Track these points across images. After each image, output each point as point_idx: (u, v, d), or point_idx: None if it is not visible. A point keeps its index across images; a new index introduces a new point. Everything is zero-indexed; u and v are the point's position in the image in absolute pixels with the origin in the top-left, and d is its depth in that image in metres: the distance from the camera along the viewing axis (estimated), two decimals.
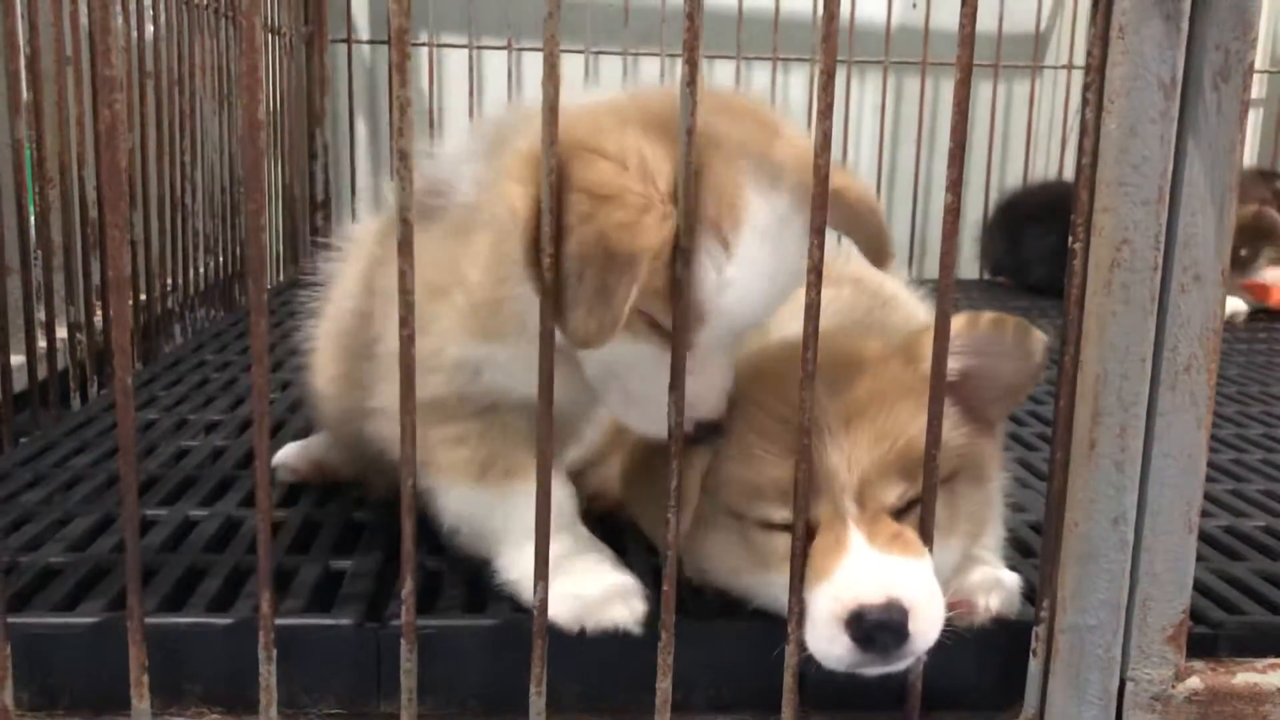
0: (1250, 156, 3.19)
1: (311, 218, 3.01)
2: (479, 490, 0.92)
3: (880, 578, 0.82)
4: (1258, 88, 3.18)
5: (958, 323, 0.87)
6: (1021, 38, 3.10)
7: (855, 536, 0.84)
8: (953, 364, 0.87)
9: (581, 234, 0.77)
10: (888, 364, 0.90)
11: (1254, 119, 3.20)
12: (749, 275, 0.81)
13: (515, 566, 0.93)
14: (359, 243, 1.11)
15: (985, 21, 3.01)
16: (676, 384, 0.82)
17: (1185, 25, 0.81)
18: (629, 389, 0.87)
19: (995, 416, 0.94)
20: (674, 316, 0.80)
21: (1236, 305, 2.61)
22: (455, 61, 2.97)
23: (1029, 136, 3.12)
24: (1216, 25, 0.81)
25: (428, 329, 0.88)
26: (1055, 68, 3.18)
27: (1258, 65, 3.14)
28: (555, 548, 0.84)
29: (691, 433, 0.85)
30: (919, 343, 0.90)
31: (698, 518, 0.91)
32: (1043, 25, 3.12)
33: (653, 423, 0.85)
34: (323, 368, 1.12)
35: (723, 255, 0.80)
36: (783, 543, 0.86)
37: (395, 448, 0.80)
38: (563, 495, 0.94)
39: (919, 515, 0.86)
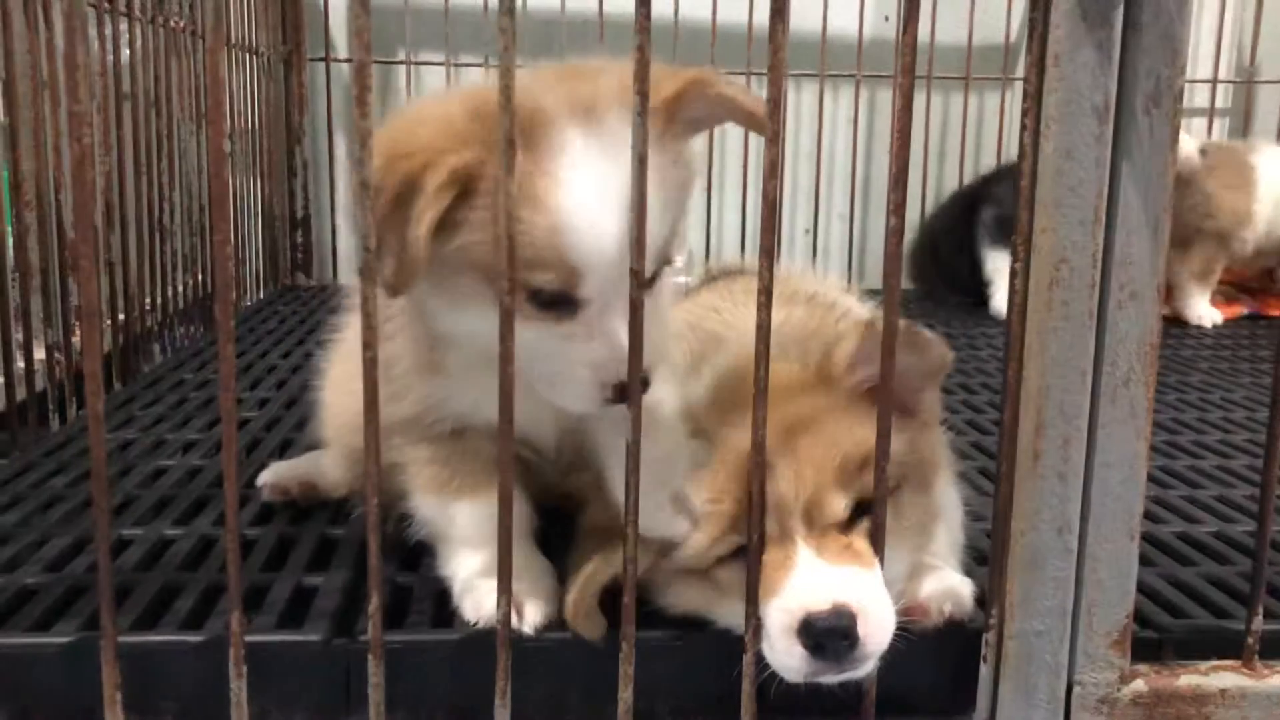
0: None
1: (291, 235, 3.04)
2: (437, 501, 1.03)
3: (826, 586, 0.85)
4: (1222, 97, 3.23)
5: (857, 336, 0.91)
6: (991, 49, 3.14)
7: (803, 552, 0.87)
8: (867, 372, 0.92)
9: (385, 186, 0.81)
10: (810, 384, 0.94)
11: (1219, 128, 3.25)
12: (585, 205, 0.82)
13: (449, 564, 1.03)
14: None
15: (955, 33, 3.06)
16: (634, 400, 0.84)
17: (1116, 54, 0.84)
18: (549, 374, 0.89)
19: (924, 409, 0.97)
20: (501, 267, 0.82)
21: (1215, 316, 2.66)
22: (433, 79, 2.99)
23: (1000, 147, 3.16)
24: (1147, 53, 0.84)
25: (390, 373, 0.98)
26: (1024, 79, 3.21)
27: (1222, 75, 3.21)
28: (485, 554, 0.96)
29: (611, 397, 0.86)
30: (832, 360, 0.94)
31: (659, 568, 0.94)
32: (1012, 37, 3.16)
33: (578, 399, 0.88)
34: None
35: (554, 193, 0.82)
36: (734, 574, 0.90)
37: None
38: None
39: (866, 526, 0.89)
